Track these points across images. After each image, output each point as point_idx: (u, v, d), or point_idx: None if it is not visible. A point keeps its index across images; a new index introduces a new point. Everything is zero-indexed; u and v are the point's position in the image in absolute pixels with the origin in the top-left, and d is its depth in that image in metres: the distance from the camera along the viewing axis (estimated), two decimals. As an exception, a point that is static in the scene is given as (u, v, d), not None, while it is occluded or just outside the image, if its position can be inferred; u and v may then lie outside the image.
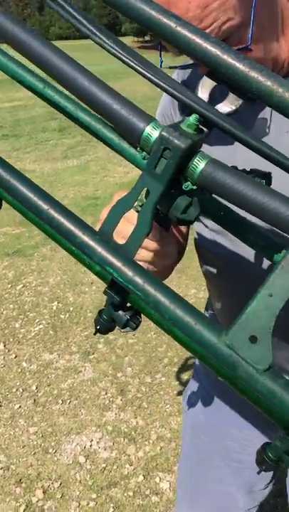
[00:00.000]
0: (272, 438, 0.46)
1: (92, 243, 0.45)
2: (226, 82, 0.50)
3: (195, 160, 0.42)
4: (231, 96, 0.56)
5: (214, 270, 0.94)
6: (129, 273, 0.43)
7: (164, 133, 0.41)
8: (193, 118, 0.43)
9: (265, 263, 0.80)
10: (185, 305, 0.42)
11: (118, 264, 0.44)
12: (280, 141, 0.73)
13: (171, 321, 0.42)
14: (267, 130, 0.77)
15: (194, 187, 0.43)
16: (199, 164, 0.42)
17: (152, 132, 0.43)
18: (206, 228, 0.90)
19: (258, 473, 0.51)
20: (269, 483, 1.14)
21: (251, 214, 0.40)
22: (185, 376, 2.64)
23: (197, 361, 1.20)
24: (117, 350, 2.86)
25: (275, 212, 0.39)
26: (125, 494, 2.02)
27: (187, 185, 0.43)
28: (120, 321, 0.48)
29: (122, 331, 0.49)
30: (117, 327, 0.50)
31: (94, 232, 0.45)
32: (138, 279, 0.43)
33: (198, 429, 1.15)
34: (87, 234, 0.45)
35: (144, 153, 0.45)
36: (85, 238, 0.45)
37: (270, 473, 1.12)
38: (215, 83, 0.58)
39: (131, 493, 2.03)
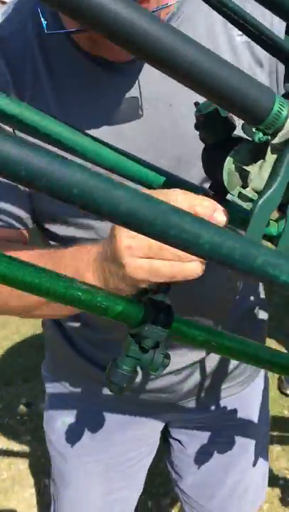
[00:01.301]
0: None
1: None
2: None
3: None
4: None
5: None
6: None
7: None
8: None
9: None
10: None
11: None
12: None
13: None
14: (140, 112, 0.71)
15: None
16: None
17: (282, 109, 0.38)
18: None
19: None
20: None
21: None
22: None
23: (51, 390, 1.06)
24: None
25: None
26: None
27: None
28: (157, 361, 0.51)
29: (155, 373, 0.52)
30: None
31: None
32: None
33: (80, 450, 1.03)
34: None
35: (264, 136, 0.39)
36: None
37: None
38: None
39: None
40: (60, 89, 0.71)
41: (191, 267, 0.50)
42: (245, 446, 1.06)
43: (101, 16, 0.28)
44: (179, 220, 0.30)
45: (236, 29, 0.72)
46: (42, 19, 0.63)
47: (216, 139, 0.45)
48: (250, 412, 1.05)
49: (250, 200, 0.42)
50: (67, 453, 1.02)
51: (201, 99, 0.69)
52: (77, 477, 1.03)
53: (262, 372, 1.06)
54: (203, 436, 1.03)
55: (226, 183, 0.42)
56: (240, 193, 0.42)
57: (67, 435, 1.00)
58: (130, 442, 1.04)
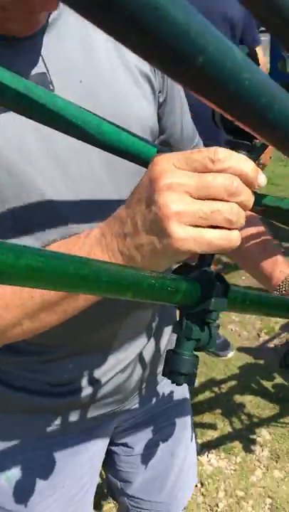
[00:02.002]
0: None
1: None
2: None
3: None
4: None
5: None
6: None
7: None
8: None
9: None
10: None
11: None
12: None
13: None
14: (51, 87, 0.68)
15: None
16: None
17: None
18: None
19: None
20: None
21: None
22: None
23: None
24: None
25: None
26: None
27: None
28: (214, 334, 0.48)
29: (211, 349, 0.49)
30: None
31: None
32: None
33: (36, 498, 0.91)
34: None
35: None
36: None
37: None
38: None
39: None
40: None
41: (236, 236, 0.46)
42: (184, 421, 1.06)
43: None
44: None
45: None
46: None
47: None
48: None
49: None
50: (22, 509, 0.90)
51: (111, 72, 0.68)
52: None
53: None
54: (147, 429, 1.01)
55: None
56: None
57: (15, 491, 0.88)
58: (82, 467, 0.95)
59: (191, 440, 1.09)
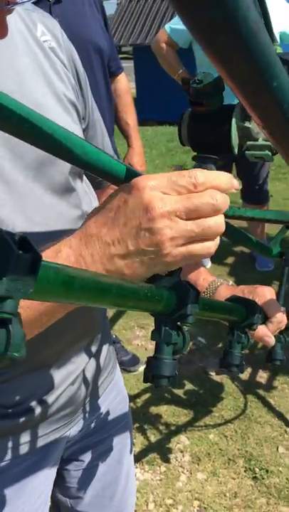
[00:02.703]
0: None
1: None
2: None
3: None
4: None
5: None
6: None
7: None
8: None
9: None
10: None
11: None
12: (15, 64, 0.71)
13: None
14: None
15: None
16: None
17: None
18: None
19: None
20: None
21: None
22: None
23: None
24: None
25: None
26: None
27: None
28: (187, 337, 0.53)
29: (185, 352, 0.53)
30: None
31: None
32: None
33: None
34: None
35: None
36: None
37: None
38: None
39: None
40: None
41: (215, 244, 0.51)
42: (127, 425, 1.10)
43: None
44: None
45: (44, 36, 0.77)
46: None
47: (220, 103, 0.49)
48: (122, 390, 1.10)
49: (268, 147, 0.48)
50: None
51: (43, 99, 0.73)
52: None
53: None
54: (95, 441, 1.03)
55: (235, 141, 0.47)
56: (252, 145, 0.48)
57: None
58: (37, 488, 0.94)
59: (132, 444, 1.12)
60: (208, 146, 0.50)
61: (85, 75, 0.86)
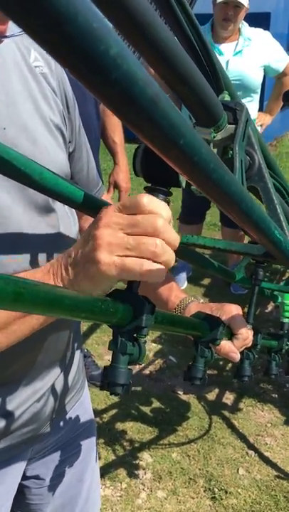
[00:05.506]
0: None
1: None
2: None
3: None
4: None
5: None
6: None
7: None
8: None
9: None
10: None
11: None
12: None
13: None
14: None
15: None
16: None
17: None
18: None
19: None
20: None
21: None
22: None
23: None
24: None
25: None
26: None
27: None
28: (143, 348, 0.57)
29: (142, 362, 0.58)
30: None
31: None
32: None
33: None
34: None
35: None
36: None
37: None
38: None
39: None
40: None
41: (158, 268, 0.55)
42: (90, 444, 1.12)
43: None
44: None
45: (36, 62, 0.82)
46: None
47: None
48: (89, 409, 1.13)
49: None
50: None
51: (31, 123, 0.77)
52: None
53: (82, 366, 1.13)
54: (57, 459, 1.04)
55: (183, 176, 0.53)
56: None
57: None
58: None
59: (96, 461, 1.14)
60: (158, 178, 0.56)
61: (74, 98, 0.90)
